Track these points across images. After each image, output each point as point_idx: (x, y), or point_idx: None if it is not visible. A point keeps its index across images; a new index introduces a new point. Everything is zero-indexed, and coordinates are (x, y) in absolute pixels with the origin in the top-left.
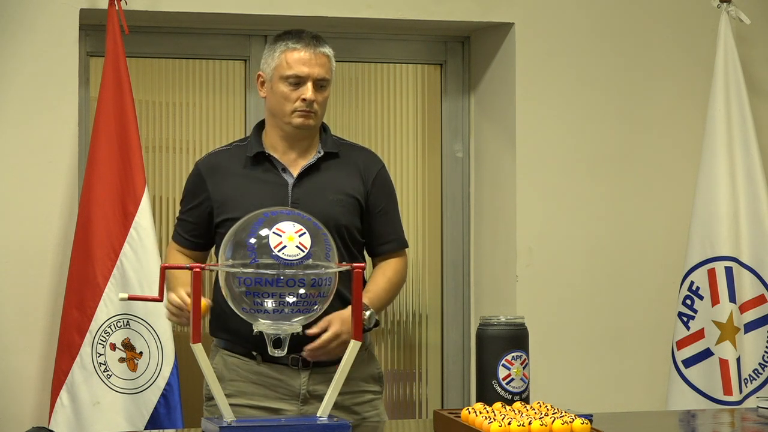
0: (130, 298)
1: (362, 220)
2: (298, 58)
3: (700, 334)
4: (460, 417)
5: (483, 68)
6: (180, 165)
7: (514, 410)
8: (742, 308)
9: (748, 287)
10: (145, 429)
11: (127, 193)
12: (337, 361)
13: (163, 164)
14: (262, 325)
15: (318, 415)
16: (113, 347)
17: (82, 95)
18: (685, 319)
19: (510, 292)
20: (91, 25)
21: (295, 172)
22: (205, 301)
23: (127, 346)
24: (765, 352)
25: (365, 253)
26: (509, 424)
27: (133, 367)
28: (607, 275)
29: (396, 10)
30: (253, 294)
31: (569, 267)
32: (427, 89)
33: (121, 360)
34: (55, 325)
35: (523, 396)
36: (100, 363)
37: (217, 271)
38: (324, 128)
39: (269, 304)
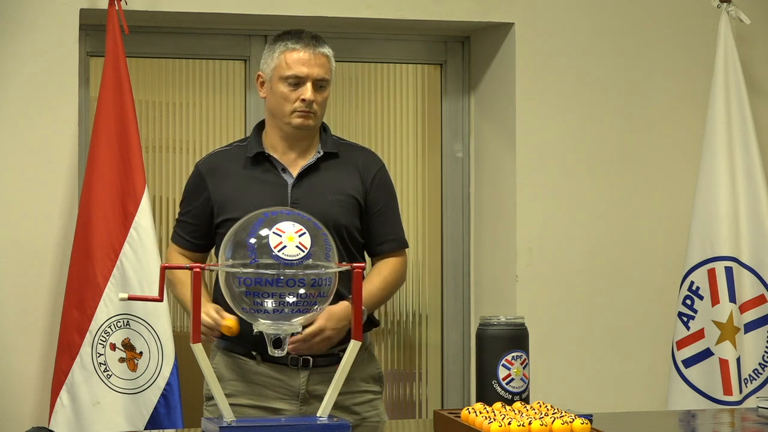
0: (130, 298)
1: (361, 220)
2: (297, 59)
3: (700, 334)
4: (460, 417)
5: (483, 68)
6: (180, 165)
7: (514, 410)
8: (742, 308)
9: (748, 287)
10: (145, 429)
11: (127, 193)
12: (337, 361)
13: (163, 164)
14: (262, 325)
15: (318, 415)
16: (113, 347)
17: (82, 95)
18: (685, 319)
19: (510, 292)
20: (91, 25)
21: (295, 173)
22: (233, 321)
23: (127, 346)
24: (765, 352)
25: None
26: (509, 424)
27: (133, 367)
28: (607, 275)
29: (396, 10)
30: (253, 294)
31: (569, 267)
32: (427, 89)
33: (121, 360)
34: (55, 325)
35: (523, 396)
36: (100, 363)
37: (217, 271)
38: (324, 128)
39: (269, 304)
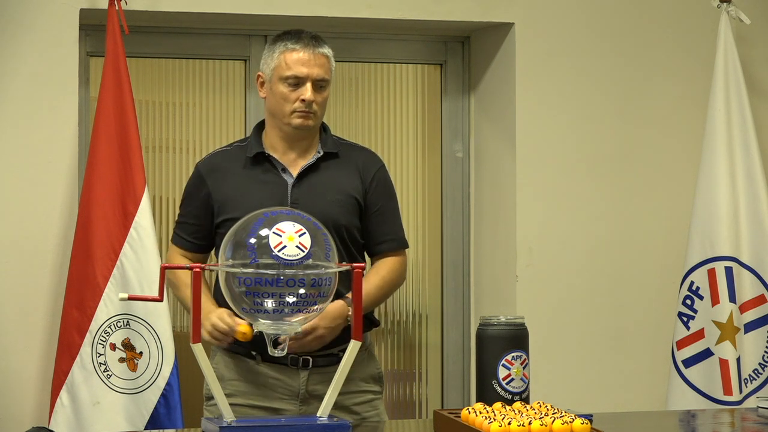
0: (130, 298)
1: (361, 219)
2: (296, 59)
3: (700, 334)
4: (460, 417)
5: (483, 68)
6: (180, 165)
7: (514, 410)
8: (742, 308)
9: (748, 287)
10: (145, 429)
11: (127, 193)
12: (337, 361)
13: (163, 164)
14: (262, 325)
15: (318, 415)
16: (113, 347)
17: (82, 95)
18: (685, 319)
19: (510, 292)
20: (91, 25)
21: (295, 173)
22: (248, 326)
23: (127, 346)
24: (765, 352)
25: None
26: (509, 424)
27: (133, 367)
28: (607, 275)
29: (396, 10)
30: (253, 294)
31: (569, 267)
32: (427, 89)
33: (121, 360)
34: (55, 325)
35: (523, 396)
36: (100, 363)
37: (217, 271)
38: (324, 128)
39: (269, 304)
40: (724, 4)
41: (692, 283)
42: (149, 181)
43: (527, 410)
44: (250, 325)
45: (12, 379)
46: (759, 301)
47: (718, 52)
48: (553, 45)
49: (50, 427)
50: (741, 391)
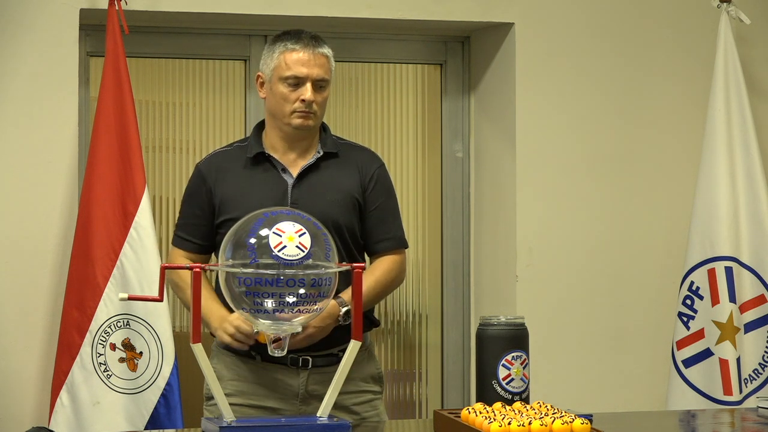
0: (130, 298)
1: (361, 219)
2: (296, 59)
3: (700, 334)
4: (460, 417)
5: (483, 68)
6: (180, 165)
7: (514, 410)
8: (742, 308)
9: (748, 287)
10: (145, 429)
11: (127, 193)
12: (337, 361)
13: (163, 164)
14: (262, 325)
15: (318, 415)
16: (113, 347)
17: (82, 95)
18: (685, 319)
19: (510, 292)
20: (91, 25)
21: (295, 173)
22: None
23: (127, 346)
24: (765, 352)
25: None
26: (509, 424)
27: (133, 367)
28: (607, 275)
29: (396, 10)
30: (253, 294)
31: (569, 267)
32: (427, 89)
33: (121, 360)
34: (55, 325)
35: (523, 396)
36: (100, 363)
37: (217, 271)
38: (324, 128)
39: (269, 304)
40: (724, 4)
41: (692, 283)
42: (149, 181)
43: (527, 410)
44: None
45: (12, 379)
46: (759, 301)
47: (718, 52)
48: (553, 45)
49: (50, 427)
50: (741, 391)
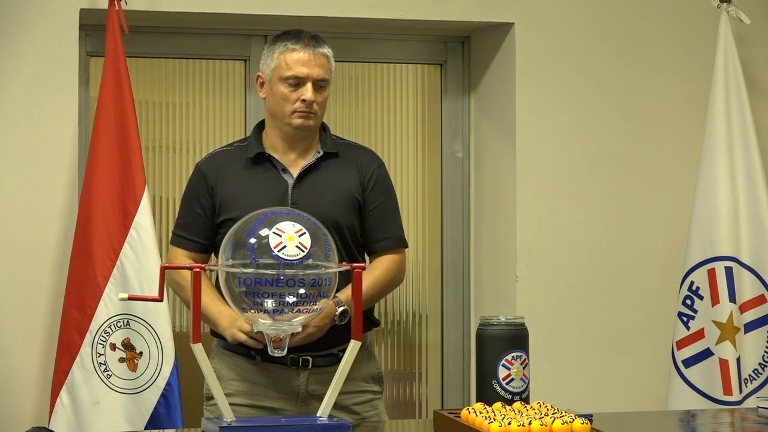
0: (130, 298)
1: (360, 218)
2: (297, 59)
3: (700, 334)
4: (460, 417)
5: (483, 68)
6: (180, 165)
7: (514, 410)
8: (742, 308)
9: (748, 287)
10: (145, 429)
11: (127, 193)
12: (337, 361)
13: (163, 164)
14: (262, 325)
15: (318, 415)
16: (113, 347)
17: (82, 95)
18: (685, 319)
19: (510, 292)
20: (91, 25)
21: (295, 173)
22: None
23: (127, 346)
24: (765, 352)
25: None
26: (509, 424)
27: (133, 367)
28: (607, 275)
29: (396, 10)
30: (253, 294)
31: (569, 267)
32: (427, 89)
33: (121, 360)
34: (55, 325)
35: (523, 396)
36: (100, 363)
37: (217, 271)
38: (323, 128)
39: (269, 304)
40: (724, 4)
41: (692, 283)
42: (149, 181)
43: (527, 410)
44: None
45: (12, 379)
46: (759, 301)
47: (718, 52)
48: (553, 45)
49: (50, 427)
50: (741, 391)
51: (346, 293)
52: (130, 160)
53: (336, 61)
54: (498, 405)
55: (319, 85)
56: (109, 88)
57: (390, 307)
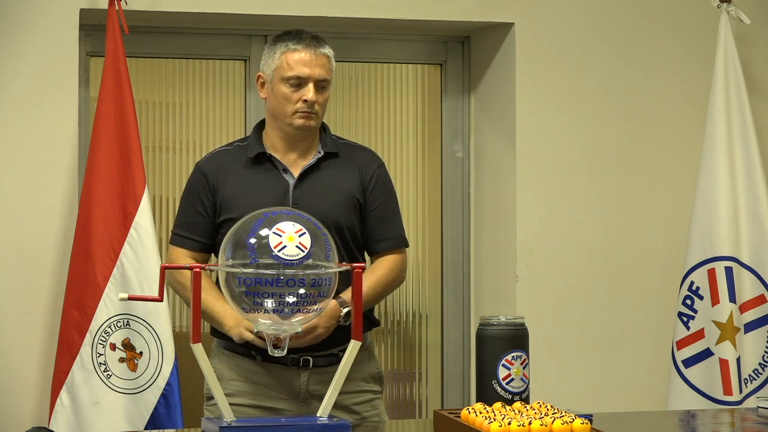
0: (130, 298)
1: (361, 218)
2: (298, 59)
3: (700, 334)
4: (460, 417)
5: (483, 68)
6: (180, 165)
7: (514, 410)
8: (742, 308)
9: (748, 287)
10: (145, 429)
11: (127, 193)
12: (337, 361)
13: (163, 164)
14: (262, 325)
15: (318, 414)
16: (113, 347)
17: (82, 95)
18: (685, 319)
19: (510, 292)
20: (91, 25)
21: (296, 173)
22: None
23: (127, 346)
24: (765, 352)
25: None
26: (509, 424)
27: (133, 367)
28: (607, 275)
29: (396, 10)
30: (253, 294)
31: (569, 267)
32: (427, 89)
33: (121, 360)
34: (55, 325)
35: (523, 396)
36: (100, 363)
37: (217, 271)
38: (324, 128)
39: (269, 304)
40: (724, 4)
41: (692, 283)
42: (149, 181)
43: (527, 410)
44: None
45: (12, 379)
46: (759, 301)
47: (718, 52)
48: (553, 45)
49: (50, 427)
50: (741, 391)
51: (349, 294)
52: (130, 160)
53: (336, 61)
54: (498, 405)
55: (321, 85)
56: (109, 88)
57: (390, 307)
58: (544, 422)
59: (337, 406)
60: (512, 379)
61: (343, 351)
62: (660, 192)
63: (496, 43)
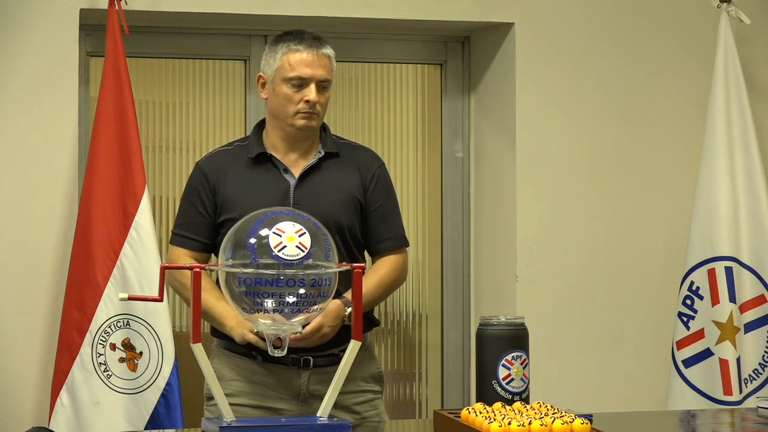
0: (130, 298)
1: (362, 218)
2: (300, 60)
3: (700, 334)
4: (460, 417)
5: (483, 68)
6: (180, 165)
7: (514, 410)
8: (742, 308)
9: (748, 287)
10: (145, 429)
11: (127, 193)
12: (337, 361)
13: (163, 164)
14: (262, 325)
15: (318, 414)
16: (113, 347)
17: (82, 95)
18: (685, 319)
19: (510, 292)
20: (91, 25)
21: (297, 173)
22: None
23: (127, 346)
24: (765, 352)
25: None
26: (509, 424)
27: (133, 367)
28: (607, 275)
29: (396, 10)
30: (253, 294)
31: (569, 267)
32: (427, 89)
33: (121, 360)
34: (55, 325)
35: (523, 396)
36: (100, 363)
37: (217, 271)
38: (324, 128)
39: (269, 304)
40: (724, 4)
41: (692, 283)
42: (149, 181)
43: (527, 410)
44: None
45: (12, 379)
46: (759, 301)
47: (718, 52)
48: (553, 45)
49: (50, 427)
50: (741, 391)
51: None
52: (130, 160)
53: (336, 61)
54: (498, 405)
55: (322, 86)
56: (109, 88)
57: (390, 307)
58: (544, 422)
59: (337, 406)
60: (512, 379)
61: (344, 351)
62: (660, 192)
63: (496, 43)
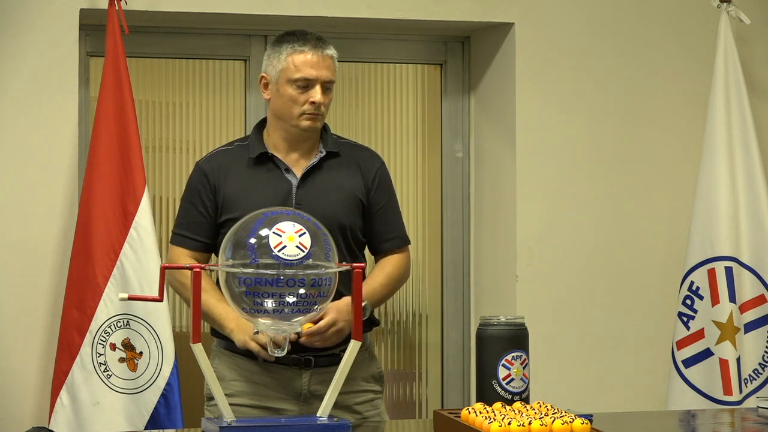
0: (130, 298)
1: (364, 218)
2: (305, 61)
3: (700, 334)
4: (460, 417)
5: (483, 68)
6: (180, 165)
7: (514, 410)
8: (742, 308)
9: (748, 287)
10: (145, 429)
11: (127, 193)
12: (338, 361)
13: (163, 164)
14: (262, 325)
15: (318, 414)
16: (113, 347)
17: (82, 95)
18: (685, 319)
19: (510, 292)
20: (91, 25)
21: (299, 173)
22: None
23: (127, 346)
24: (765, 352)
25: (366, 251)
26: (509, 424)
27: (133, 367)
28: (607, 275)
29: (396, 10)
30: (253, 294)
31: (569, 267)
32: (427, 89)
33: (121, 360)
34: (55, 325)
35: (523, 396)
36: (100, 363)
37: (217, 271)
38: (324, 128)
39: (269, 304)
40: (724, 4)
41: (692, 283)
42: (149, 181)
43: (527, 410)
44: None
45: (12, 379)
46: (759, 301)
47: (718, 52)
48: (553, 45)
49: (50, 427)
50: (741, 391)
51: (363, 290)
52: (130, 160)
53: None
54: (498, 405)
55: (327, 86)
56: (109, 88)
57: (390, 307)
58: (544, 422)
59: (337, 405)
60: (512, 379)
61: (344, 351)
62: (660, 192)
63: (496, 43)
